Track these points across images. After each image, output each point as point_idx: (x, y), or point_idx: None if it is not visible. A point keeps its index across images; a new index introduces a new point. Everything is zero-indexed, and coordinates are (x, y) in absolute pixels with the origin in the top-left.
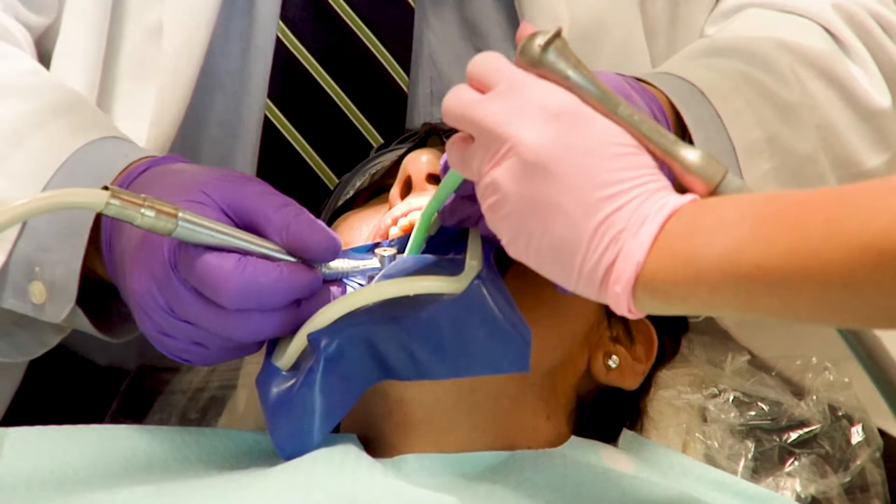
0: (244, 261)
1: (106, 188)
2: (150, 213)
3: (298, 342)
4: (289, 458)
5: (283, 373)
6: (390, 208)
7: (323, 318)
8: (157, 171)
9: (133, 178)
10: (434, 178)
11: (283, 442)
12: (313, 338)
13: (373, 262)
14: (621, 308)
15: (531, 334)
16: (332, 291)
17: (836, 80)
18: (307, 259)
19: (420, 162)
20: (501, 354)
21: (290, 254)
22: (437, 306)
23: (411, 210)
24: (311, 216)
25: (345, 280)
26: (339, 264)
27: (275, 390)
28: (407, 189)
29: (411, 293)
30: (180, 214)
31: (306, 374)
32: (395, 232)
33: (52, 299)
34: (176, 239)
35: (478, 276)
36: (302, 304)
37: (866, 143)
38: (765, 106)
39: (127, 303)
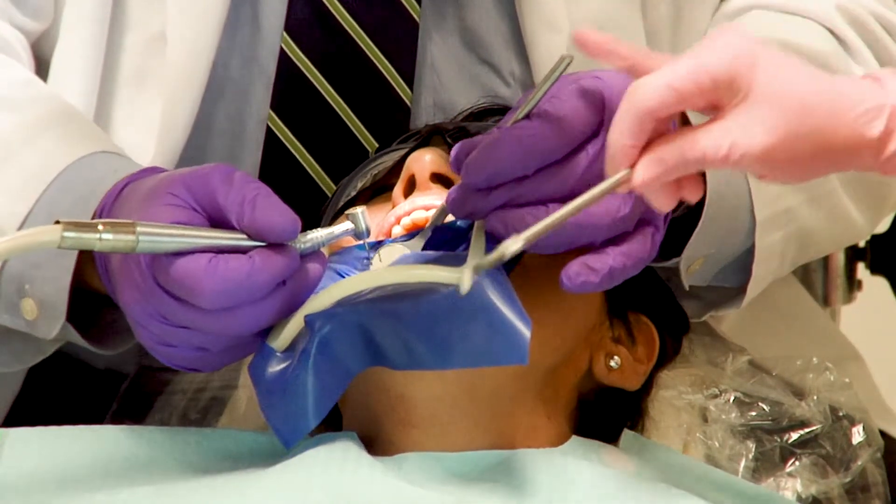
0: (215, 260)
1: (58, 222)
2: (109, 236)
3: (294, 324)
4: (285, 440)
5: (278, 354)
6: (393, 207)
7: (321, 301)
8: (133, 187)
9: (114, 198)
10: (438, 178)
11: (279, 423)
12: (309, 320)
13: (344, 226)
14: None
15: (531, 326)
16: (313, 265)
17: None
18: (271, 242)
19: (423, 161)
20: (499, 346)
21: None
22: (434, 296)
23: (415, 209)
24: (269, 198)
25: (337, 270)
26: (312, 235)
27: (269, 370)
28: (410, 188)
29: (409, 280)
30: (139, 229)
31: (300, 354)
32: (397, 231)
33: (44, 316)
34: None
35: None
36: (287, 284)
37: None
38: None
39: (126, 317)
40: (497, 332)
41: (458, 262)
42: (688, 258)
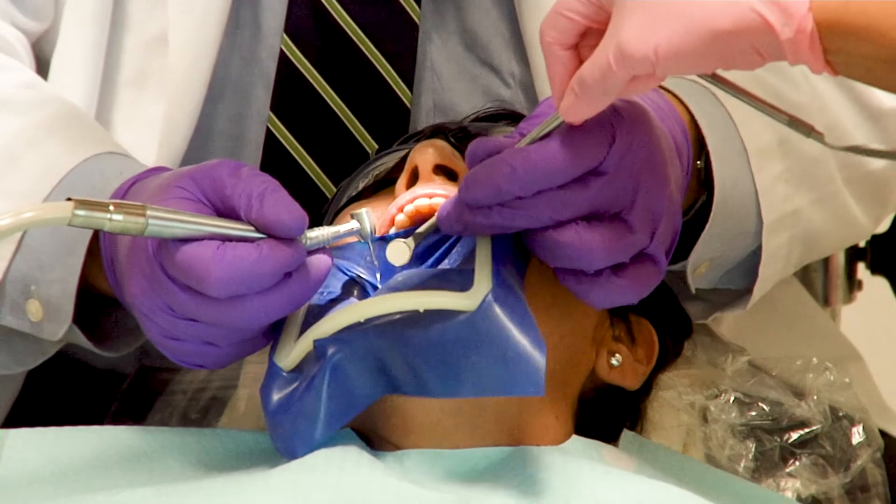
0: (223, 247)
1: (70, 199)
2: (119, 217)
3: (303, 345)
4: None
5: (285, 374)
6: (395, 198)
7: (330, 324)
8: (140, 185)
9: (121, 196)
10: (441, 170)
11: (284, 446)
12: (319, 344)
13: (350, 225)
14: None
15: (545, 356)
16: (319, 261)
17: (844, 81)
18: (278, 236)
19: (427, 153)
20: (512, 376)
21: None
22: (446, 325)
23: (416, 197)
24: (276, 193)
25: (346, 271)
26: (318, 233)
27: (276, 395)
28: (413, 180)
29: (421, 308)
30: (149, 212)
31: (310, 381)
32: (401, 219)
33: (49, 318)
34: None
35: (489, 293)
36: (293, 277)
37: (874, 144)
38: None
39: (133, 314)
40: (510, 361)
41: (465, 278)
42: (694, 261)
